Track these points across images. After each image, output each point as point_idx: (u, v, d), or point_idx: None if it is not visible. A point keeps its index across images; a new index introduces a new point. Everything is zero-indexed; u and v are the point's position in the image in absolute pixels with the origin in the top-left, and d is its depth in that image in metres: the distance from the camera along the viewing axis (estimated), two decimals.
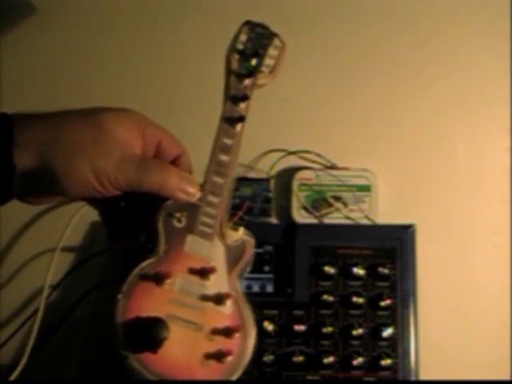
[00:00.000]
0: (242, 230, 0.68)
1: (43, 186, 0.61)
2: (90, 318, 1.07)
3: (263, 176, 1.11)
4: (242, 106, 0.68)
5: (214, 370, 0.64)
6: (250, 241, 0.68)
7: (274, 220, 1.12)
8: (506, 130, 1.14)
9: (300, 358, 1.00)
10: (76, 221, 1.04)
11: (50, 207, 1.12)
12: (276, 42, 0.69)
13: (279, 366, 1.00)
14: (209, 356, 0.64)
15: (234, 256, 0.67)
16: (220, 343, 0.65)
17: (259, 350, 0.97)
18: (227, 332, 0.65)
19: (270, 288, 1.02)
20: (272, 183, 1.12)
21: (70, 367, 1.10)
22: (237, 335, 0.65)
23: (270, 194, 1.11)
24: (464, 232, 1.13)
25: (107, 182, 0.61)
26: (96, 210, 0.69)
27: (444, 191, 1.13)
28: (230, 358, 0.64)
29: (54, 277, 1.04)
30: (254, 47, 0.68)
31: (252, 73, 0.68)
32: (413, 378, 1.00)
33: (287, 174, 1.12)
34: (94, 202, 0.66)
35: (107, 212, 0.69)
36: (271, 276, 1.02)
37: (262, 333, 0.97)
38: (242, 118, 0.68)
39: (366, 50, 1.15)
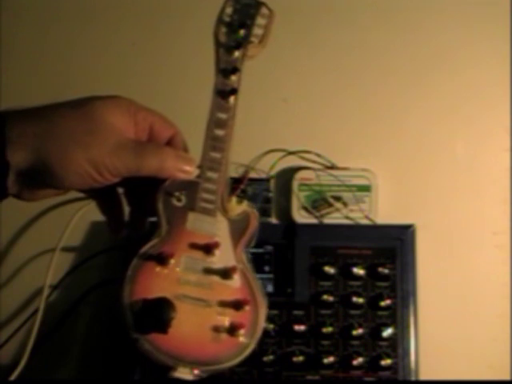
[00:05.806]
0: (245, 203, 0.67)
1: (39, 180, 0.61)
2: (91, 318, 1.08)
3: (263, 176, 1.11)
4: (234, 78, 0.66)
5: (226, 345, 0.63)
6: (254, 212, 0.67)
7: (274, 220, 1.12)
8: (506, 131, 1.13)
9: (300, 358, 1.00)
10: (76, 221, 1.04)
11: (50, 207, 1.12)
12: (263, 10, 0.67)
13: (279, 366, 1.00)
14: (220, 330, 0.63)
15: (238, 229, 0.66)
16: (230, 317, 0.64)
17: (259, 350, 0.97)
18: (237, 305, 0.64)
19: (270, 288, 1.02)
20: (272, 183, 1.12)
21: (70, 367, 1.10)
22: (247, 308, 0.64)
23: (270, 194, 1.11)
24: (464, 232, 1.13)
25: (105, 170, 0.61)
26: (94, 200, 0.68)
27: (444, 191, 1.13)
28: (242, 331, 0.63)
29: (54, 277, 1.04)
30: (240, 18, 0.66)
31: (240, 44, 0.66)
32: (413, 378, 1.00)
33: (287, 174, 1.12)
34: (90, 192, 0.66)
35: (105, 201, 0.68)
36: (271, 276, 1.02)
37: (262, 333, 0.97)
38: (234, 91, 0.66)
39: (366, 50, 1.15)
